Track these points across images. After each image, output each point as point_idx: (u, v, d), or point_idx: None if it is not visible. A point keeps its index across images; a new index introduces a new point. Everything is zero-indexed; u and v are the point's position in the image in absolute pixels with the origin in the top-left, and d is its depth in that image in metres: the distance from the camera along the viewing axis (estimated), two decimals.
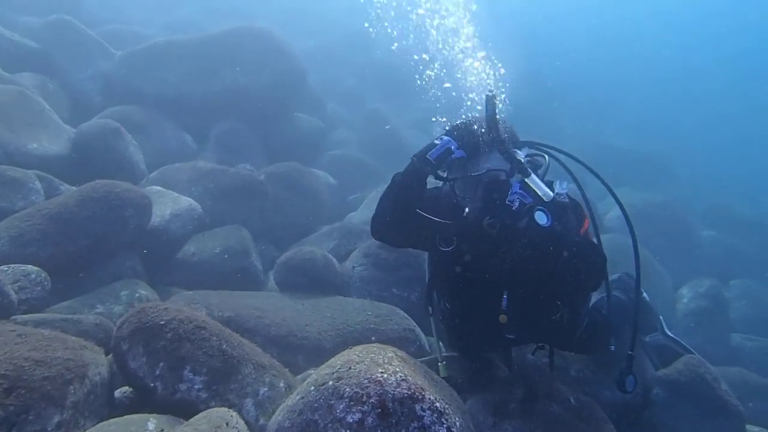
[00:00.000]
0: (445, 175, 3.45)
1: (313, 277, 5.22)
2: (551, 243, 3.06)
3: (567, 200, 3.40)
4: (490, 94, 3.24)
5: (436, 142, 3.30)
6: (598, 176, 3.74)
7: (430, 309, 3.79)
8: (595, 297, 4.14)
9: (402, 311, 4.80)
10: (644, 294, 4.81)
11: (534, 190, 3.17)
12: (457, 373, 3.77)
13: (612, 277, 4.93)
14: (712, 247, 11.09)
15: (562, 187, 3.41)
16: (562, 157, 3.77)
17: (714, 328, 7.83)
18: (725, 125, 30.84)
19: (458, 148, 3.27)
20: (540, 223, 3.08)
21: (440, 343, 3.84)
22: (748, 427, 4.49)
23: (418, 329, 4.65)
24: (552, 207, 3.19)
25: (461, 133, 3.32)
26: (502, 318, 3.29)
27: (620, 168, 11.47)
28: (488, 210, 3.16)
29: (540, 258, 3.08)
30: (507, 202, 3.15)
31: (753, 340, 7.92)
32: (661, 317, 5.09)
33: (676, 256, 9.65)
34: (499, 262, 3.20)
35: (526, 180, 3.20)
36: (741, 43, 35.98)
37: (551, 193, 3.16)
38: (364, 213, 7.76)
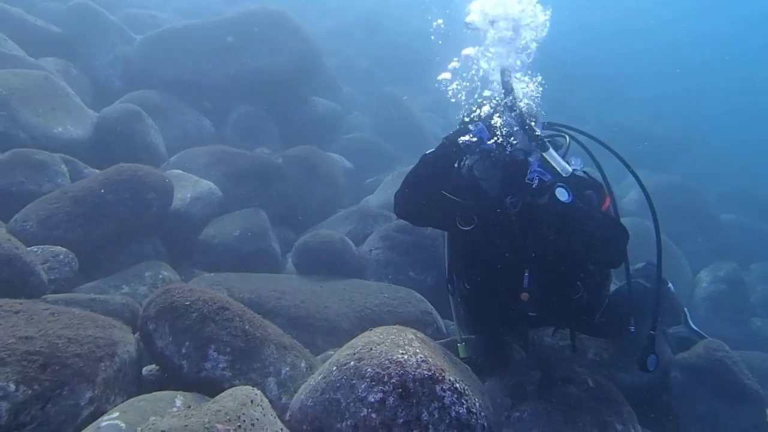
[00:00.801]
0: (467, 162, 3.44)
1: (331, 260, 5.28)
2: (573, 218, 3.06)
3: (584, 176, 3.40)
4: (505, 67, 3.24)
5: (471, 128, 3.27)
6: (619, 157, 3.71)
7: (450, 288, 3.82)
8: (614, 285, 4.14)
9: (419, 294, 4.85)
10: (670, 285, 4.80)
11: (553, 167, 3.16)
12: (476, 355, 3.82)
13: (637, 265, 4.92)
14: (731, 230, 10.99)
15: (576, 163, 3.40)
16: (582, 138, 3.76)
17: (733, 311, 7.80)
18: (743, 102, 30.12)
19: (489, 139, 3.25)
20: (561, 199, 3.06)
21: (459, 324, 3.88)
22: None
23: (435, 312, 4.69)
24: (572, 183, 3.18)
25: (492, 122, 3.30)
26: (524, 296, 3.32)
27: (636, 149, 11.33)
28: (509, 189, 3.19)
29: (562, 233, 3.09)
30: (527, 181, 3.16)
31: None
32: (685, 309, 5.06)
33: (695, 240, 9.59)
34: (521, 240, 3.22)
35: (544, 155, 3.19)
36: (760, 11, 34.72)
37: (570, 168, 3.16)
38: (380, 196, 7.79)
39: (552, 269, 3.30)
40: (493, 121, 3.29)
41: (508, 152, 3.22)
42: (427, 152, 3.40)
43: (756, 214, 11.98)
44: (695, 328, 4.91)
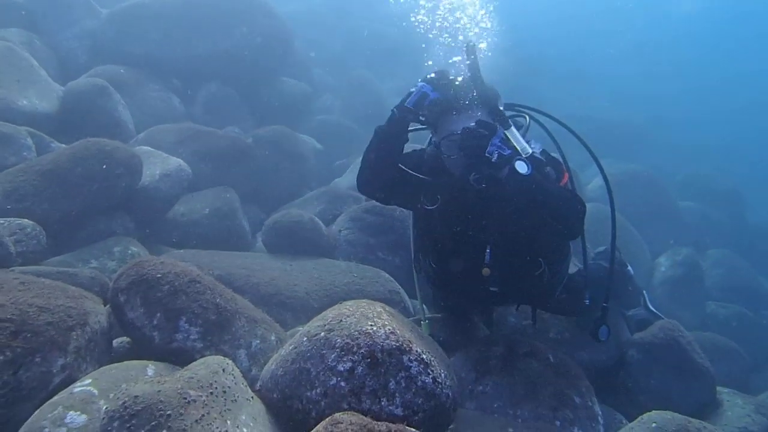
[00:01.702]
0: (423, 119, 3.45)
1: (300, 240, 5.31)
2: (532, 189, 3.12)
3: (543, 158, 3.47)
4: (470, 43, 3.28)
5: (412, 90, 3.33)
6: (580, 139, 3.82)
7: (415, 266, 3.90)
8: (573, 268, 4.30)
9: (387, 274, 4.93)
10: (629, 268, 4.98)
11: (513, 145, 3.22)
12: (440, 332, 3.93)
13: (599, 249, 5.09)
14: (689, 216, 11.37)
15: (536, 146, 3.48)
16: (545, 121, 3.85)
17: (690, 295, 8.08)
18: (700, 96, 31.14)
19: (433, 91, 3.29)
20: (520, 171, 3.10)
21: (423, 304, 3.97)
22: (718, 388, 4.69)
23: (402, 291, 4.78)
24: (532, 159, 3.24)
25: (437, 79, 3.34)
26: (485, 271, 3.40)
27: (599, 139, 11.59)
28: (470, 166, 3.23)
29: (522, 205, 3.18)
30: (486, 155, 3.15)
31: (726, 307, 8.20)
32: (644, 292, 5.26)
33: (655, 226, 9.87)
34: (483, 216, 3.31)
35: (506, 133, 3.25)
36: (718, 15, 35.94)
37: (530, 150, 3.23)
38: (350, 178, 7.82)
39: (513, 245, 3.40)
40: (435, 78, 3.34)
41: (469, 129, 3.20)
42: (380, 125, 3.45)
43: (713, 202, 12.40)
44: (653, 309, 5.10)
